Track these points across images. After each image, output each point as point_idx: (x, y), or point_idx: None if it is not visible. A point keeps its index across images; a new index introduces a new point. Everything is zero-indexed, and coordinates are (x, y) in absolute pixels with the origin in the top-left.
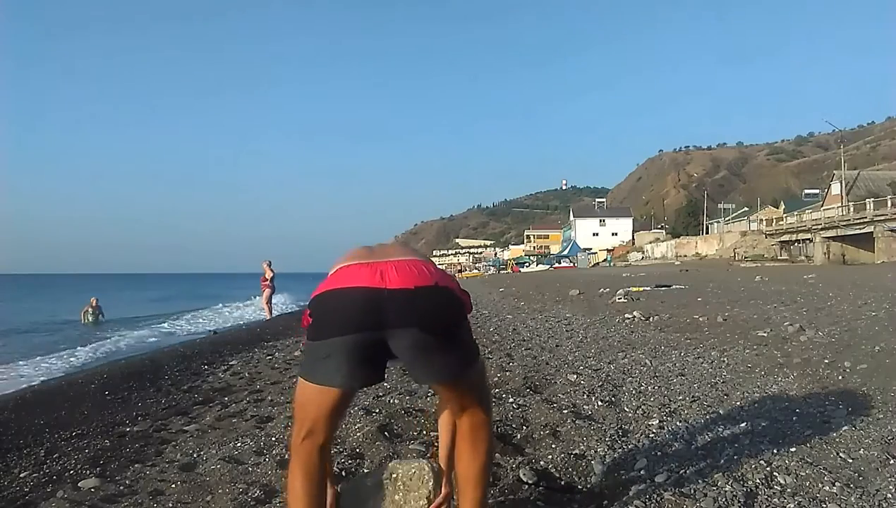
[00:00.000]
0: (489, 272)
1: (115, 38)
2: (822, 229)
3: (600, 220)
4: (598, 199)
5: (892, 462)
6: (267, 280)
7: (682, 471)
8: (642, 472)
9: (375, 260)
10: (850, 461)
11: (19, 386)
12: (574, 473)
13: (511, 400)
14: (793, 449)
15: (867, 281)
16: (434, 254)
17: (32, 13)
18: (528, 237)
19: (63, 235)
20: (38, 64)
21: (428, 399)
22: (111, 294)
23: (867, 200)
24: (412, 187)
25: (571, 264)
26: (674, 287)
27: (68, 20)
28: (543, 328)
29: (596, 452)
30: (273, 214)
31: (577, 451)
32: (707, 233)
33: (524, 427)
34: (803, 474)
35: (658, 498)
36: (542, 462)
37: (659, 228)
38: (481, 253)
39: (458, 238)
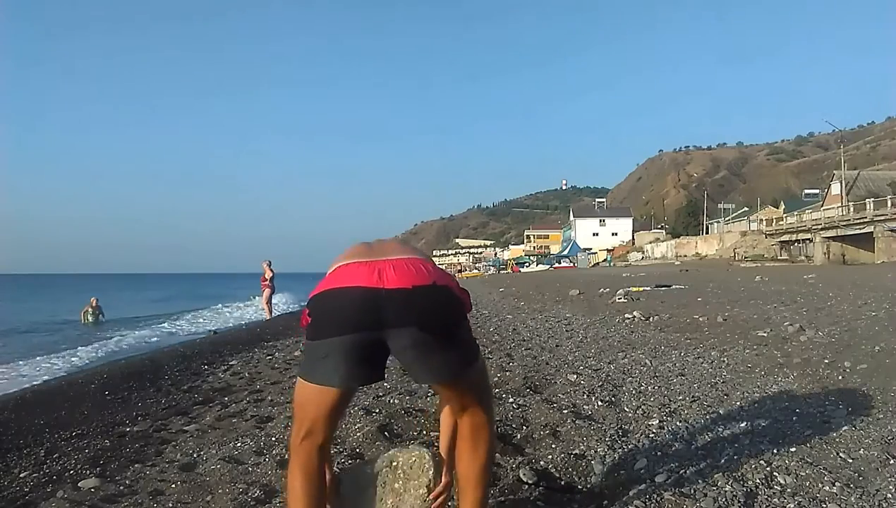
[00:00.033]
0: (489, 272)
1: (114, 38)
2: (822, 229)
3: (600, 220)
4: (598, 199)
5: (892, 462)
6: (267, 280)
7: (682, 471)
8: (642, 472)
9: (374, 259)
10: (850, 461)
11: (19, 386)
12: (574, 473)
13: (511, 400)
14: (793, 449)
15: (867, 281)
16: (434, 254)
17: (32, 13)
18: (528, 237)
19: (63, 235)
20: (38, 64)
21: (428, 399)
22: (111, 294)
23: (867, 200)
24: (412, 187)
25: (571, 264)
26: (674, 287)
27: (68, 20)
28: (543, 328)
29: (596, 452)
30: (273, 214)
31: (577, 451)
32: (707, 233)
33: (524, 427)
34: (803, 474)
35: (658, 498)
36: (542, 462)
37: (659, 228)
38: (481, 253)
39: (458, 238)
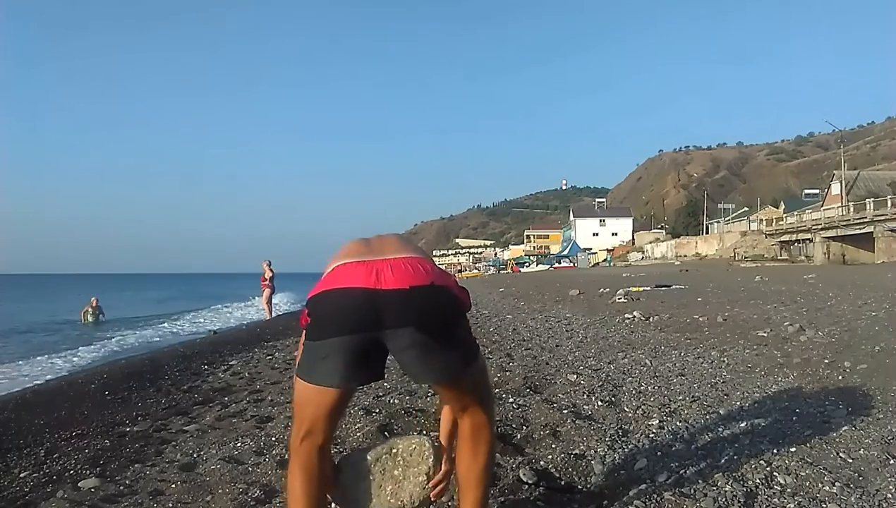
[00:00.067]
0: (489, 272)
1: (114, 38)
2: (822, 229)
3: (600, 220)
4: (598, 199)
5: (892, 462)
6: (266, 280)
7: (682, 471)
8: (642, 472)
9: (371, 259)
10: (850, 461)
11: (19, 386)
12: (574, 473)
13: (511, 400)
14: (793, 449)
15: (867, 281)
16: (434, 254)
17: (32, 13)
18: (528, 237)
19: (63, 235)
20: (38, 64)
21: (428, 399)
22: (111, 294)
23: (867, 200)
24: (412, 187)
25: (571, 264)
26: (674, 287)
27: (68, 20)
28: (543, 328)
29: (596, 452)
30: (273, 214)
31: (577, 451)
32: (707, 233)
33: (524, 427)
34: (803, 474)
35: (658, 498)
36: (542, 462)
37: (659, 228)
38: (481, 253)
39: (458, 238)
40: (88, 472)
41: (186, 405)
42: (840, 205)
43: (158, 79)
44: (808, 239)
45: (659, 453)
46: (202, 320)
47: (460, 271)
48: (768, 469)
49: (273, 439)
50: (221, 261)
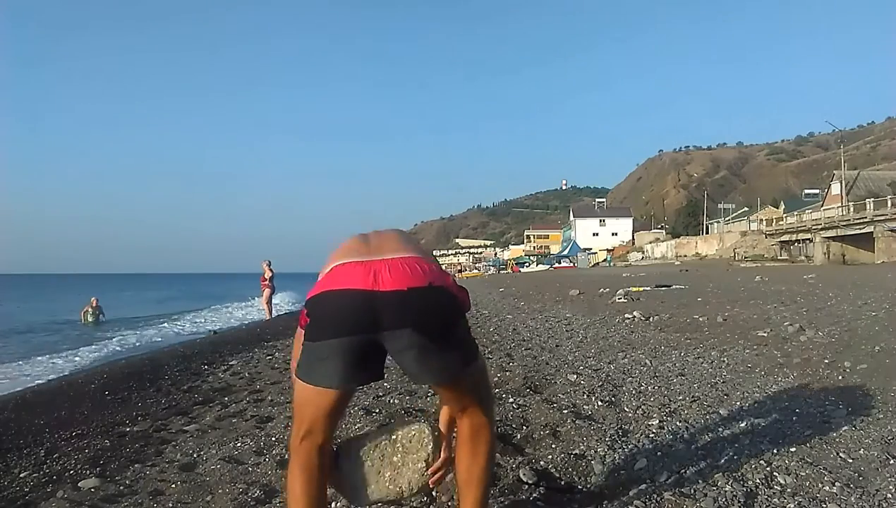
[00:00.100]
0: (489, 272)
1: (114, 38)
2: (822, 229)
3: (600, 220)
4: (598, 199)
5: (892, 462)
6: (266, 280)
7: (682, 471)
8: (642, 472)
9: (370, 259)
10: (850, 461)
11: (19, 386)
12: (574, 473)
13: (511, 400)
14: (793, 449)
15: (867, 281)
16: (434, 254)
17: (32, 13)
18: (528, 237)
19: (63, 235)
20: (38, 64)
21: (428, 399)
22: (111, 294)
23: (867, 200)
24: (412, 187)
25: (571, 264)
26: (674, 287)
27: (68, 20)
28: (543, 328)
29: (596, 452)
30: (273, 214)
31: (577, 451)
32: (707, 233)
33: (524, 427)
34: (803, 474)
35: (658, 498)
36: (542, 462)
37: (659, 228)
38: (481, 253)
39: (458, 238)
40: (88, 472)
41: (186, 405)
42: (840, 205)
43: (158, 79)
44: (808, 239)
45: (659, 453)
46: (202, 320)
47: (460, 271)
48: (768, 469)
49: (273, 439)
50: (221, 261)
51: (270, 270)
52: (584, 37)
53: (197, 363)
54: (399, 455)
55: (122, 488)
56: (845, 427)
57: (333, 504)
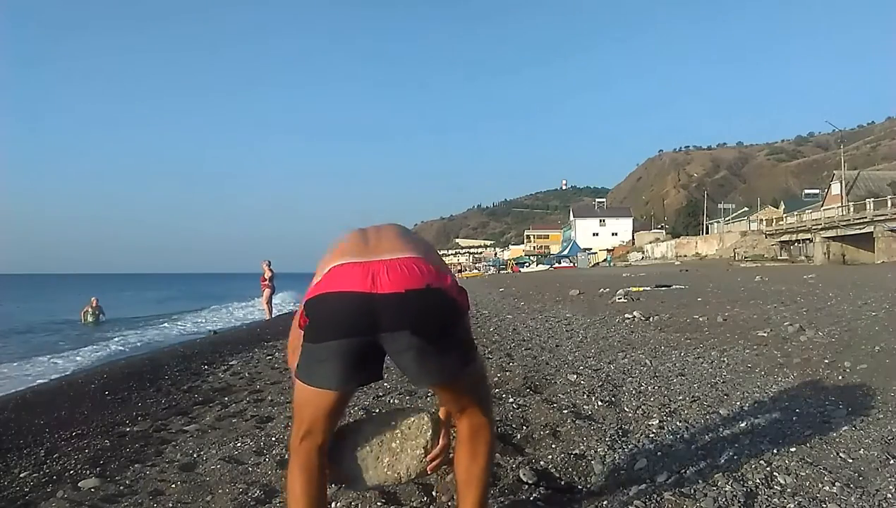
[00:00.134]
0: (489, 272)
1: (114, 38)
2: (822, 229)
3: (600, 220)
4: (598, 199)
5: (892, 462)
6: (266, 280)
7: (682, 471)
8: (642, 472)
9: (368, 260)
10: (850, 461)
11: (20, 385)
12: (574, 473)
13: (511, 400)
14: (793, 449)
15: (867, 281)
16: None
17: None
18: (528, 237)
19: (63, 235)
20: (38, 64)
21: (427, 399)
22: (111, 294)
23: (867, 200)
24: (412, 187)
25: (571, 264)
26: (674, 287)
27: (68, 20)
28: (543, 328)
29: (596, 452)
30: (273, 214)
31: (577, 451)
32: (707, 233)
33: (524, 427)
34: (803, 474)
35: (658, 498)
36: (542, 462)
37: (659, 228)
38: (481, 253)
39: (458, 238)
40: (88, 472)
41: (186, 405)
42: (840, 205)
43: (158, 79)
44: (808, 239)
45: (659, 453)
46: (202, 320)
47: (460, 271)
48: (768, 469)
49: (273, 439)
50: (221, 261)
51: (270, 270)
52: (584, 37)
53: (197, 363)
54: (398, 442)
55: (122, 488)
56: (845, 427)
57: (333, 505)
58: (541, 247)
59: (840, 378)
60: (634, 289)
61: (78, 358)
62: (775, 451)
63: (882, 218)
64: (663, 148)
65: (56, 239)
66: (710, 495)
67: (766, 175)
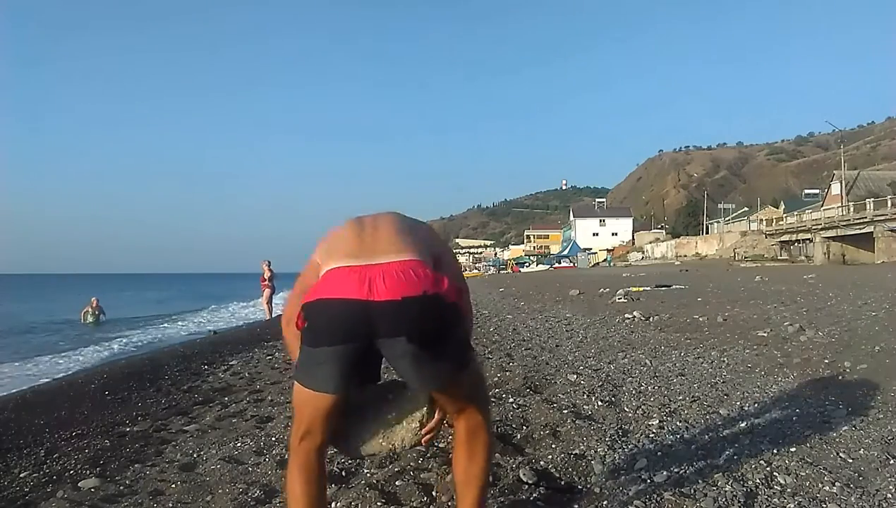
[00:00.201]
0: (489, 272)
1: (114, 38)
2: (822, 229)
3: (600, 220)
4: (598, 199)
5: (892, 462)
6: (266, 280)
7: (682, 471)
8: (642, 472)
9: (364, 263)
10: (850, 461)
11: (19, 386)
12: (574, 473)
13: (511, 400)
14: (793, 449)
15: (867, 281)
16: None
17: (32, 13)
18: (528, 237)
19: (63, 235)
20: (38, 64)
21: None
22: (111, 294)
23: (867, 200)
24: (412, 187)
25: (571, 264)
26: (674, 287)
27: (68, 20)
28: (543, 328)
29: (596, 452)
30: (273, 214)
31: (577, 451)
32: (707, 233)
33: (524, 427)
34: (803, 474)
35: (658, 498)
36: (542, 462)
37: (659, 228)
38: (481, 253)
39: (458, 238)
40: (88, 472)
41: (186, 405)
42: (840, 205)
43: (158, 79)
44: (808, 239)
45: (659, 453)
46: (202, 320)
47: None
48: (768, 469)
49: (273, 439)
50: (221, 261)
51: (270, 270)
52: (584, 37)
53: (197, 363)
54: (394, 414)
55: (122, 488)
56: (845, 427)
57: (333, 505)
58: (541, 247)
59: (840, 378)
60: (634, 289)
61: (78, 359)
62: (775, 451)
63: (882, 218)
64: (663, 148)
65: (56, 239)
66: (710, 495)
67: (766, 175)
